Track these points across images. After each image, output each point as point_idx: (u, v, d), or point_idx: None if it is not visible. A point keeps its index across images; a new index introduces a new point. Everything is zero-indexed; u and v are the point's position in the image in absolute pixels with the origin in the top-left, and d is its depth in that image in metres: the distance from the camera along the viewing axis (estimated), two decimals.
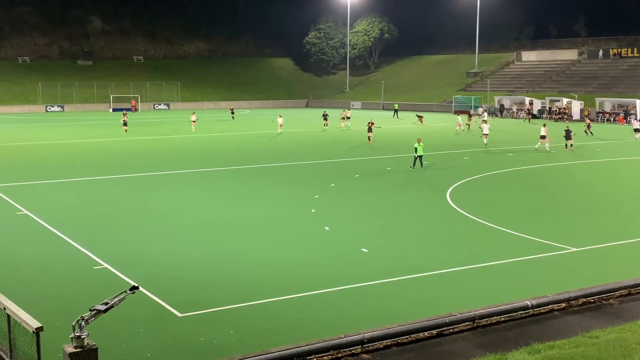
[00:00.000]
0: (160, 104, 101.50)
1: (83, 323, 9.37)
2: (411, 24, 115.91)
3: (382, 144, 47.35)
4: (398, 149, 44.26)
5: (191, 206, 25.69)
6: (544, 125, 45.03)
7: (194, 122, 60.14)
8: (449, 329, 12.47)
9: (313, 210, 24.48)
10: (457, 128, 58.81)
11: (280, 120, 56.20)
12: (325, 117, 62.77)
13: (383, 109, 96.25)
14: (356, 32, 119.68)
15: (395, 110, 79.43)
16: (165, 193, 28.62)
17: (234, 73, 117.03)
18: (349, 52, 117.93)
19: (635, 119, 58.49)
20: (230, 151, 44.52)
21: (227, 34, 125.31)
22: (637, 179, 32.63)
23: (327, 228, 21.72)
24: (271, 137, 52.40)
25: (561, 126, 55.15)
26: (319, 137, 55.29)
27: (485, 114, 64.41)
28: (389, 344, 11.88)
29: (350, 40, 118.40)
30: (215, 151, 44.54)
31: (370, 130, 48.15)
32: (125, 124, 57.08)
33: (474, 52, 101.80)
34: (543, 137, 42.50)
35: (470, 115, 63.56)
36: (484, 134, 46.50)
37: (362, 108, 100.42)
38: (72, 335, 9.40)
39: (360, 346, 11.63)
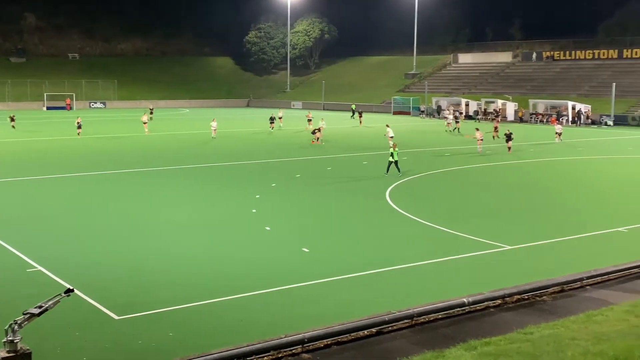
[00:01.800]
0: (96, 103, 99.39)
1: (16, 327, 9.12)
2: (351, 25, 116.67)
3: (325, 144, 47.51)
4: (340, 149, 44.49)
5: (129, 206, 25.25)
6: (477, 129, 44.87)
7: (146, 123, 56.58)
8: (389, 327, 12.60)
9: (254, 211, 24.39)
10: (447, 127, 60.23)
11: (214, 125, 52.08)
12: (272, 120, 59.55)
13: (324, 109, 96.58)
14: (296, 32, 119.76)
15: (353, 111, 79.64)
16: (102, 193, 28.05)
17: (173, 72, 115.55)
18: (290, 52, 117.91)
19: (559, 123, 59.65)
20: (169, 151, 43.94)
21: (165, 32, 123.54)
22: (568, 178, 33.60)
23: (268, 228, 21.67)
24: (211, 138, 51.91)
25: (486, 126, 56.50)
26: (261, 137, 55.10)
27: (450, 116, 63.05)
28: (329, 343, 11.93)
29: (291, 40, 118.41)
30: (155, 151, 43.90)
31: (314, 132, 47.82)
32: (79, 126, 52.08)
33: (413, 54, 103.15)
34: (481, 140, 43.18)
35: (456, 118, 62.36)
36: (389, 137, 44.03)
37: (303, 108, 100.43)
38: (4, 340, 9.14)
39: (300, 346, 11.65)
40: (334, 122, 64.97)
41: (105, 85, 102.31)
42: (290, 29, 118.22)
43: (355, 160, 39.30)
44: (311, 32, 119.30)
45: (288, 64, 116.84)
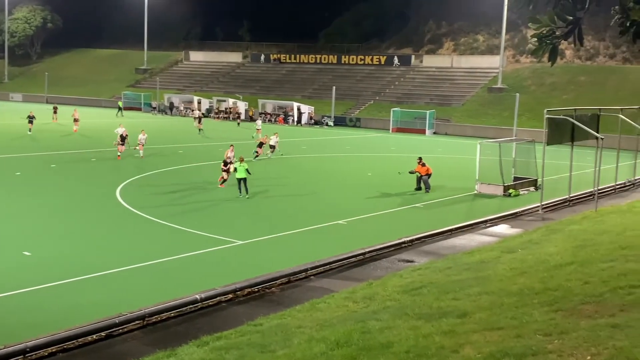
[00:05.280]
0: None
1: None
2: (77, 15, 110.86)
3: (49, 140, 44.63)
4: (67, 146, 42.15)
5: None
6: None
7: None
8: (119, 330, 12.27)
9: None
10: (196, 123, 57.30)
11: None
12: (31, 119, 48.76)
13: (47, 102, 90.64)
14: (15, 19, 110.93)
15: (120, 108, 74.93)
16: None
17: None
18: (8, 40, 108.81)
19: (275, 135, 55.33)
20: None
21: None
22: (293, 175, 35.36)
23: None
24: None
25: (226, 125, 57.69)
26: None
27: (259, 121, 57.40)
28: (54, 350, 11.32)
29: (9, 28, 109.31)
30: None
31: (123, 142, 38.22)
32: None
33: (143, 49, 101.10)
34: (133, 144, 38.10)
35: (199, 119, 58.68)
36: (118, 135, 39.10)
37: (24, 101, 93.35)
38: None
39: (22, 356, 10.88)
40: (61, 117, 61.22)
41: None
42: (8, 16, 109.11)
43: (83, 158, 37.49)
44: (32, 20, 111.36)
45: (6, 53, 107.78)
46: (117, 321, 12.29)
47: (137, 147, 37.82)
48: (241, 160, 27.29)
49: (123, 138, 37.69)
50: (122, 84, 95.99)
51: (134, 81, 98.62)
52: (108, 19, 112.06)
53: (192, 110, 73.43)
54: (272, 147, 40.97)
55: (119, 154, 37.45)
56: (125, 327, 12.37)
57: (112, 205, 24.80)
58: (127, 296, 14.67)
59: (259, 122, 57.19)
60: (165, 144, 45.90)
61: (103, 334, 12.06)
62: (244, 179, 26.95)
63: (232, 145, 30.86)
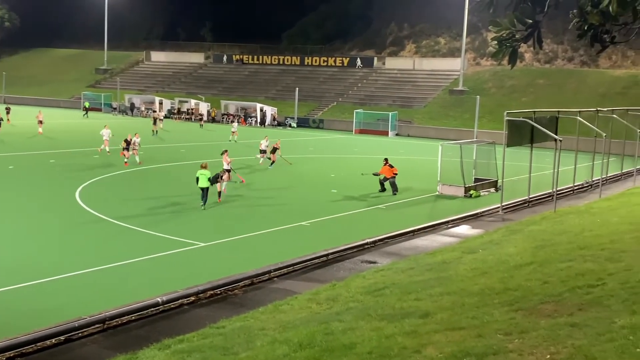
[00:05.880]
0: None
1: None
2: (35, 14, 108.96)
3: (10, 143, 43.74)
4: (24, 147, 41.36)
5: None
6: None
7: None
8: (78, 334, 12.07)
9: None
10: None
11: None
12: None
13: (4, 102, 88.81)
14: None
15: (86, 109, 73.39)
16: None
17: None
18: None
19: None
20: None
21: None
22: (255, 177, 35.24)
23: None
24: None
25: (188, 126, 57.20)
26: None
27: (235, 124, 57.50)
28: (12, 355, 11.10)
29: None
30: None
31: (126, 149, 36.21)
32: None
33: (104, 49, 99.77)
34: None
35: (155, 120, 57.67)
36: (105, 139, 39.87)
37: None
38: None
39: None
40: (17, 118, 60.06)
41: None
42: None
43: (41, 159, 36.83)
44: None
45: None
46: (76, 325, 12.09)
47: (133, 153, 36.55)
48: (204, 167, 25.36)
49: (128, 143, 36.13)
50: (81, 84, 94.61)
51: (94, 81, 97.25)
52: (67, 18, 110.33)
53: (155, 112, 72.14)
54: (263, 151, 38.85)
55: (125, 160, 35.61)
56: (85, 331, 12.18)
57: (71, 207, 24.40)
58: (87, 299, 14.45)
59: (235, 124, 57.39)
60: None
61: (62, 338, 11.86)
62: (207, 189, 25.02)
63: (226, 150, 30.20)
